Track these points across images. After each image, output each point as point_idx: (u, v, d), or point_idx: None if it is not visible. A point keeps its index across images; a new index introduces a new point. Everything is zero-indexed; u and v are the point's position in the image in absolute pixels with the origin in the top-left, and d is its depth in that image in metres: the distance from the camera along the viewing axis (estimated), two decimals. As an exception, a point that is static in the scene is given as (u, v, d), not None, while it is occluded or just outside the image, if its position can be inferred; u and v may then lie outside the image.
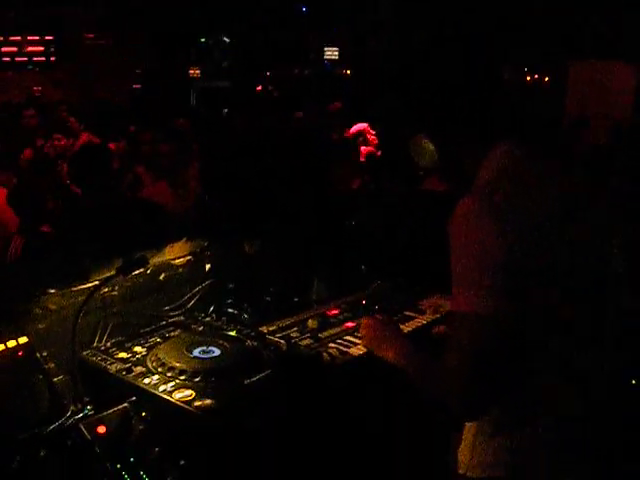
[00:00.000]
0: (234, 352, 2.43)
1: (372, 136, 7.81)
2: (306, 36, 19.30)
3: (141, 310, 2.79)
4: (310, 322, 2.77)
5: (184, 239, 3.00)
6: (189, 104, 17.61)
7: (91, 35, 18.43)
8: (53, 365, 2.45)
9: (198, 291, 2.98)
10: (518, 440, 1.89)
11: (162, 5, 16.73)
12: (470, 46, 2.01)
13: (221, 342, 2.49)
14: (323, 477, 2.44)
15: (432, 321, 2.84)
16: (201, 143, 6.80)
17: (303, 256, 3.31)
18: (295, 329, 2.72)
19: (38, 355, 2.34)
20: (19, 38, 17.91)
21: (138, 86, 18.53)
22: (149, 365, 2.34)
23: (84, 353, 2.46)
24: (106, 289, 2.66)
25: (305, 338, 2.64)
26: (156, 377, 2.25)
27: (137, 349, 2.49)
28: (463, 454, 2.05)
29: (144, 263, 2.59)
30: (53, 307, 2.54)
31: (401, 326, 2.80)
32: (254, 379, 2.27)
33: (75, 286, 2.59)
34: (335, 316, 2.89)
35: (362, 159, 6.85)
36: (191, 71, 19.55)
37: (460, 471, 2.04)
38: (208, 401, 2.10)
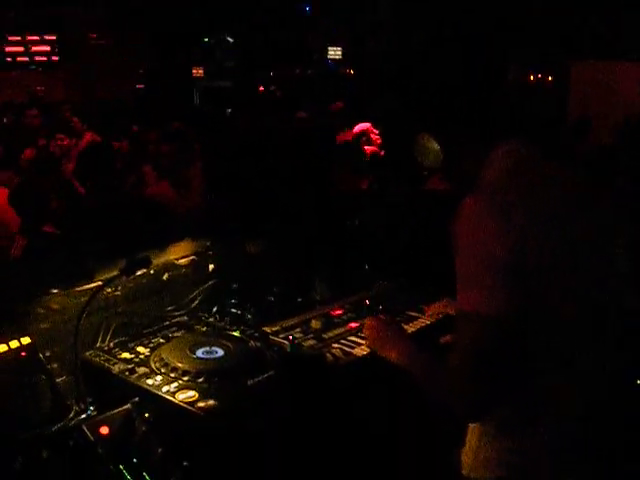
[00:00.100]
0: (237, 353, 2.42)
1: (375, 136, 7.79)
2: (309, 36, 19.29)
3: (144, 310, 2.78)
4: (314, 322, 2.76)
5: (187, 239, 3.00)
6: (192, 104, 17.62)
7: (94, 35, 18.45)
8: (56, 365, 2.45)
9: (201, 291, 2.97)
10: (521, 441, 1.89)
11: (164, 5, 16.73)
12: (469, 46, 2.00)
13: (224, 343, 2.48)
14: (327, 478, 2.43)
15: (436, 322, 2.83)
16: (204, 143, 6.80)
17: (306, 256, 3.30)
18: (298, 329, 2.71)
19: (41, 355, 2.33)
20: (22, 38, 17.93)
21: (141, 86, 18.54)
22: (152, 366, 2.33)
23: (87, 353, 2.45)
24: (109, 289, 2.65)
25: (309, 339, 2.63)
26: (159, 378, 2.24)
27: (140, 349, 2.48)
28: (466, 455, 2.04)
29: (147, 263, 2.58)
30: (56, 307, 2.53)
31: (404, 326, 2.79)
32: (257, 380, 2.26)
33: (78, 286, 2.58)
34: (339, 316, 2.88)
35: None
36: (194, 71, 19.55)
37: (463, 472, 2.04)
38: (211, 402, 2.09)
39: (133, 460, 1.99)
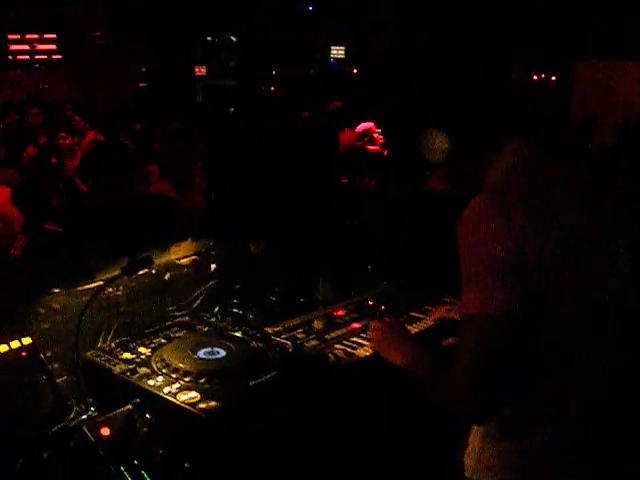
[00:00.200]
0: (239, 353, 2.41)
1: (378, 135, 7.79)
2: (312, 35, 19.29)
3: (146, 310, 2.77)
4: (316, 323, 2.75)
5: (189, 239, 2.98)
6: (195, 103, 17.62)
7: (96, 34, 18.45)
8: (57, 365, 2.44)
9: (203, 291, 2.95)
10: (522, 442, 1.88)
11: (166, 4, 16.73)
12: (472, 46, 1.99)
13: (226, 343, 2.47)
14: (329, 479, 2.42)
15: (438, 324, 2.81)
16: (206, 142, 6.79)
17: (309, 256, 3.29)
18: (301, 330, 2.70)
19: (42, 356, 2.32)
20: (24, 37, 17.94)
21: (143, 85, 18.55)
22: (153, 366, 2.32)
23: (88, 354, 2.44)
24: (110, 289, 2.64)
25: (311, 339, 2.62)
26: (160, 378, 2.23)
27: (142, 350, 2.47)
28: (470, 457, 2.03)
29: (149, 263, 2.57)
30: (57, 307, 2.52)
31: (407, 327, 2.78)
32: (259, 381, 2.25)
33: (79, 286, 2.57)
34: (341, 317, 2.87)
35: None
36: (197, 70, 19.55)
37: (467, 474, 2.02)
38: (213, 403, 2.08)
39: (134, 461, 1.98)
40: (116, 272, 2.53)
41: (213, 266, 3.05)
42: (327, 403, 2.36)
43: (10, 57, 17.90)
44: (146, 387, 2.18)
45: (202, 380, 2.21)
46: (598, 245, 1.87)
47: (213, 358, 2.36)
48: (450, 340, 2.63)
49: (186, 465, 2.04)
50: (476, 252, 1.78)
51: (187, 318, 2.82)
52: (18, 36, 17.93)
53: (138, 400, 2.14)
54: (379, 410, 2.51)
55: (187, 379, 2.22)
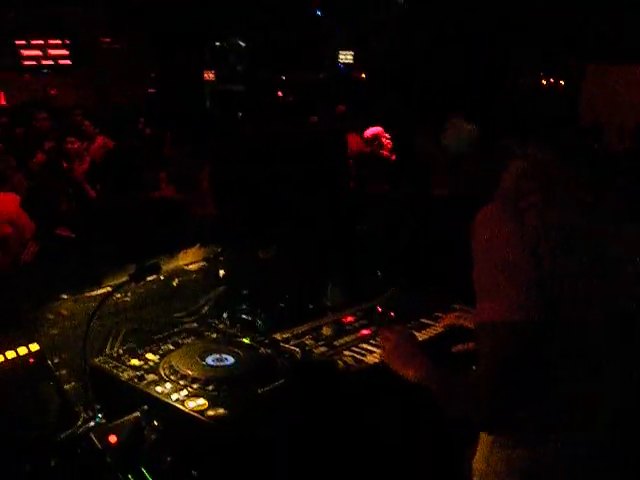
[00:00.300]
0: (248, 360, 2.39)
1: (387, 140, 7.77)
2: (320, 40, 19.30)
3: (154, 316, 2.76)
4: (325, 329, 2.74)
5: (198, 245, 2.97)
6: (204, 107, 17.63)
7: (106, 39, 18.50)
8: (65, 372, 2.43)
9: (212, 297, 2.94)
10: (538, 450, 1.85)
11: (176, 9, 16.76)
12: (472, 46, 1.98)
13: (235, 350, 2.45)
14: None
15: (448, 331, 2.80)
16: (214, 147, 6.79)
17: (317, 262, 3.27)
18: (310, 336, 2.69)
19: (49, 362, 2.31)
20: (35, 42, 18.00)
21: (152, 90, 18.58)
22: (161, 373, 2.31)
23: (96, 360, 2.43)
24: (119, 295, 2.63)
25: (320, 345, 2.60)
26: (168, 385, 2.22)
27: (149, 356, 2.46)
28: (478, 462, 2.01)
29: (157, 270, 2.56)
30: (65, 313, 2.52)
31: (416, 334, 2.76)
32: (268, 388, 2.24)
33: (88, 292, 2.57)
34: (350, 323, 2.85)
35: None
36: (205, 74, 19.58)
37: (475, 479, 2.01)
38: (221, 410, 2.06)
39: (142, 469, 1.97)
40: (124, 278, 2.53)
41: (222, 272, 3.04)
42: (336, 410, 2.34)
43: (20, 61, 17.96)
44: (154, 394, 2.17)
45: (210, 387, 2.20)
46: (622, 251, 1.85)
47: (221, 365, 2.35)
48: (460, 347, 2.62)
49: (194, 473, 2.03)
50: (490, 259, 1.76)
51: (195, 324, 2.81)
52: (31, 42, 17.98)
53: (146, 407, 2.13)
54: (388, 417, 2.49)
55: (195, 386, 2.21)
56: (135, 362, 2.41)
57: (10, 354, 2.20)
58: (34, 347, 2.26)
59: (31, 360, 2.23)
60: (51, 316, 2.48)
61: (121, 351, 2.52)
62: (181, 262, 2.90)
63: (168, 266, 2.80)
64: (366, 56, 18.42)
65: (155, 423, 2.09)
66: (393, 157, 7.35)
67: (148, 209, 4.55)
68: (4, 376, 2.14)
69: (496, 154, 1.93)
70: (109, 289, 2.53)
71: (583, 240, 1.79)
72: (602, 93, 10.94)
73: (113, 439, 2.00)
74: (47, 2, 16.92)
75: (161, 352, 2.50)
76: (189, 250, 2.93)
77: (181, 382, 2.23)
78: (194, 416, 2.05)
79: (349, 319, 2.89)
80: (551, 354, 1.78)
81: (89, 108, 11.81)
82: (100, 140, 8.89)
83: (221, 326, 2.81)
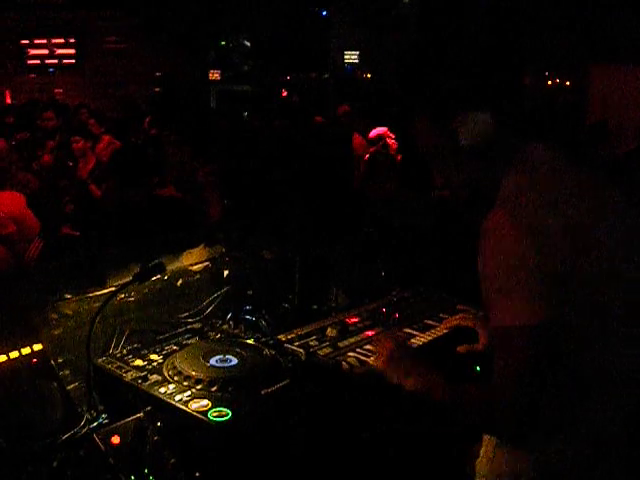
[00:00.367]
0: (252, 361, 2.38)
1: (392, 140, 7.77)
2: (325, 40, 19.31)
3: (158, 317, 2.75)
4: (329, 330, 2.72)
5: (202, 245, 2.97)
6: (209, 107, 17.65)
7: (112, 39, 18.53)
8: (68, 372, 2.43)
9: (216, 298, 2.94)
10: (543, 453, 1.84)
11: (181, 8, 16.79)
12: (493, 37, 1.96)
13: (238, 351, 2.44)
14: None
15: (452, 332, 2.79)
16: (220, 147, 6.79)
17: (322, 262, 3.27)
18: (314, 337, 2.68)
19: (52, 362, 2.31)
20: (41, 41, 18.05)
21: (158, 89, 18.61)
22: (165, 374, 2.30)
23: (99, 360, 2.43)
24: (122, 295, 2.63)
25: (324, 347, 2.59)
26: (172, 386, 2.21)
27: (153, 357, 2.45)
28: (481, 464, 2.01)
29: (161, 270, 2.55)
30: (69, 313, 2.52)
31: (421, 335, 2.76)
32: (272, 389, 2.23)
33: (91, 292, 2.56)
34: (354, 324, 2.84)
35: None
36: (210, 74, 19.60)
37: (476, 480, 2.01)
38: (224, 411, 2.06)
39: (145, 470, 1.96)
40: (128, 278, 2.52)
41: (226, 272, 3.03)
42: (340, 411, 2.33)
43: (25, 61, 18.00)
44: (157, 395, 2.16)
45: (214, 388, 2.19)
46: (633, 249, 1.84)
47: (225, 366, 2.34)
48: (464, 347, 2.61)
49: (197, 474, 2.02)
50: (503, 264, 1.73)
51: (199, 325, 2.81)
52: (34, 40, 18.03)
53: (149, 408, 2.12)
54: (393, 419, 2.48)
55: (199, 387, 2.20)
56: (139, 362, 2.40)
57: (13, 354, 2.19)
58: (37, 347, 2.26)
59: (34, 360, 2.22)
60: (55, 316, 2.48)
61: (125, 351, 2.51)
62: (185, 262, 2.90)
63: (172, 266, 2.80)
64: (376, 55, 18.43)
65: (158, 424, 2.09)
66: (398, 157, 7.34)
67: (157, 207, 4.54)
68: (7, 376, 2.14)
69: (503, 152, 1.92)
70: (113, 289, 2.52)
71: (594, 239, 1.77)
72: (608, 93, 10.90)
73: (116, 440, 1.99)
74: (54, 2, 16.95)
75: (165, 353, 2.50)
76: (193, 250, 2.93)
77: (185, 383, 2.22)
78: (197, 417, 2.04)
79: (353, 320, 2.88)
80: (565, 354, 1.77)
81: (93, 107, 11.83)
82: (106, 139, 8.89)
83: (225, 327, 2.81)
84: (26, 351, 2.22)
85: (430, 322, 2.89)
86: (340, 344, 2.63)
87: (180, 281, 2.85)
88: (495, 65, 1.90)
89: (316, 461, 2.26)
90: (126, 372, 2.33)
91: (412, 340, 2.71)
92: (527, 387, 1.73)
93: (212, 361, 2.35)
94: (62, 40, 18.18)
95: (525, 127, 1.96)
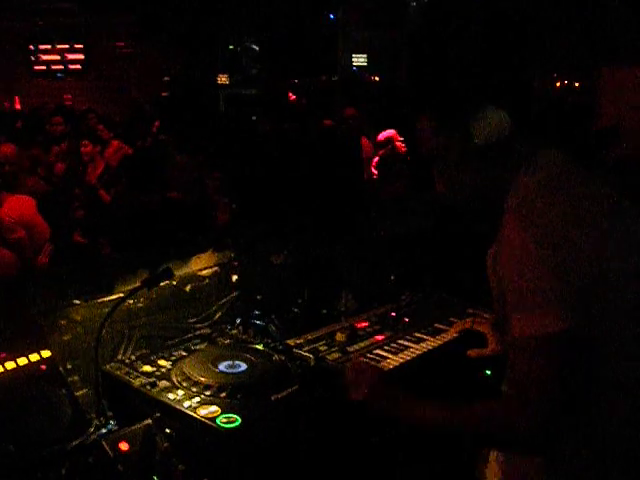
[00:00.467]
0: (261, 367, 2.38)
1: (400, 143, 7.76)
2: (334, 43, 19.31)
3: (166, 322, 2.75)
4: (338, 335, 2.71)
5: (210, 250, 2.96)
6: (218, 111, 17.67)
7: (120, 43, 18.59)
8: (77, 378, 2.42)
9: (225, 303, 2.93)
10: (554, 456, 1.82)
11: (190, 13, 16.82)
12: (510, 34, 1.94)
13: (248, 356, 2.44)
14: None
15: (462, 336, 2.77)
16: (228, 151, 6.79)
17: (331, 267, 3.26)
18: (323, 342, 2.67)
19: (61, 369, 2.30)
20: (50, 47, 18.12)
21: (166, 94, 18.65)
22: (174, 379, 2.29)
23: (108, 366, 2.42)
24: (131, 301, 2.62)
25: (333, 352, 2.58)
26: (181, 392, 2.20)
27: (162, 362, 2.45)
28: (490, 468, 1.99)
29: (170, 275, 2.54)
30: (78, 319, 2.51)
31: (431, 339, 2.75)
32: (281, 395, 2.22)
33: (100, 298, 2.56)
34: (364, 329, 2.83)
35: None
36: (219, 78, 19.64)
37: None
38: (234, 417, 2.04)
39: (153, 477, 1.96)
40: (137, 284, 2.51)
41: (234, 278, 3.02)
42: (349, 416, 2.32)
43: (34, 67, 18.08)
44: (166, 401, 2.15)
45: (223, 394, 2.18)
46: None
47: (234, 371, 2.33)
48: (475, 352, 2.60)
49: (206, 481, 2.01)
50: (523, 273, 1.70)
51: (208, 330, 2.80)
52: (43, 46, 18.11)
53: (158, 414, 2.12)
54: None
55: (208, 393, 2.19)
56: (147, 368, 2.39)
57: (21, 361, 2.19)
58: (46, 354, 2.25)
59: (42, 367, 2.21)
60: (63, 322, 2.47)
61: (133, 357, 2.51)
62: (194, 268, 2.89)
63: (181, 272, 2.79)
64: (384, 57, 18.43)
65: (167, 431, 2.08)
66: (408, 159, 7.33)
67: (167, 211, 4.55)
68: (15, 383, 2.13)
69: (514, 154, 1.90)
70: (122, 295, 2.52)
71: (611, 245, 1.75)
72: (618, 95, 10.85)
73: (125, 447, 1.99)
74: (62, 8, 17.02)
75: (173, 358, 2.49)
76: (202, 255, 2.92)
77: (193, 389, 2.21)
78: (206, 423, 2.02)
79: (363, 325, 2.87)
80: (590, 363, 1.74)
81: (103, 112, 11.86)
82: (115, 144, 8.91)
83: (234, 332, 2.80)
84: (34, 358, 2.22)
85: (440, 326, 2.89)
86: (349, 349, 2.62)
87: (189, 286, 2.84)
88: (496, 62, 1.89)
89: (326, 466, 2.25)
90: (135, 378, 2.32)
91: (422, 344, 2.70)
92: (554, 397, 1.70)
93: (221, 367, 2.34)
94: (71, 45, 18.25)
95: (535, 129, 1.94)
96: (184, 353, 2.54)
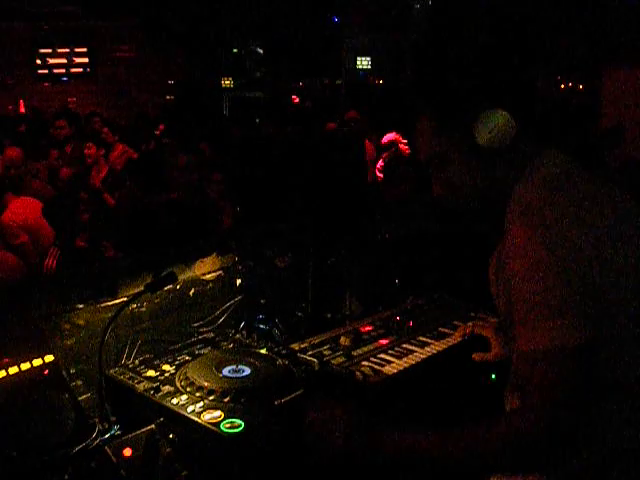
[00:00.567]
0: (265, 371, 2.36)
1: (404, 146, 7.75)
2: (338, 46, 19.32)
3: (170, 327, 2.74)
4: (343, 339, 2.70)
5: (214, 254, 2.95)
6: (222, 114, 17.70)
7: (124, 47, 18.62)
8: (80, 383, 2.41)
9: (228, 307, 2.92)
10: (557, 474, 1.80)
11: (193, 16, 16.84)
12: (516, 38, 1.93)
13: (251, 361, 2.42)
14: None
15: (466, 340, 2.76)
16: (232, 154, 6.79)
17: (336, 270, 3.25)
18: (327, 346, 2.66)
19: (64, 374, 2.30)
20: (54, 50, 18.15)
21: (171, 98, 18.68)
22: (177, 384, 2.28)
23: (111, 371, 2.41)
24: (134, 305, 2.61)
25: (337, 356, 2.57)
26: (184, 397, 2.19)
27: (165, 367, 2.44)
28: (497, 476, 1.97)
29: (173, 279, 2.54)
30: (81, 323, 2.50)
31: (435, 343, 2.74)
32: (285, 399, 2.20)
33: (104, 302, 2.55)
34: (368, 333, 2.82)
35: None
36: (223, 81, 19.67)
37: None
38: (237, 422, 2.03)
39: (157, 483, 1.94)
40: (140, 288, 2.51)
41: (238, 281, 3.01)
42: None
43: (38, 70, 18.11)
44: (169, 406, 2.14)
45: (226, 399, 2.17)
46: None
47: (238, 376, 2.31)
48: (479, 355, 2.58)
49: (210, 487, 2.00)
50: (538, 284, 1.67)
51: (212, 334, 2.79)
52: (47, 49, 18.14)
53: (161, 420, 2.11)
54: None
55: (211, 398, 2.17)
56: (151, 373, 2.39)
57: (25, 365, 2.18)
58: (49, 358, 2.24)
59: (46, 372, 2.21)
60: (67, 326, 2.46)
61: (137, 362, 2.50)
62: (197, 271, 2.88)
63: (184, 276, 2.78)
64: (388, 60, 18.43)
65: (171, 436, 2.07)
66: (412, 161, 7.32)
67: (172, 213, 4.54)
68: (19, 388, 2.12)
69: (517, 156, 1.89)
70: (125, 299, 2.51)
71: (614, 242, 1.73)
72: (622, 97, 10.83)
73: (128, 452, 1.97)
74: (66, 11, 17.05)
75: (177, 363, 2.48)
76: (205, 259, 2.91)
77: (197, 394, 2.20)
78: (210, 429, 2.01)
79: (367, 329, 2.86)
80: (600, 371, 1.72)
81: (106, 116, 11.88)
82: (120, 148, 8.92)
83: (238, 336, 2.79)
84: (37, 362, 2.21)
85: (444, 330, 2.88)
86: (354, 353, 2.61)
87: (192, 290, 2.84)
88: (497, 62, 1.88)
89: (330, 472, 2.24)
90: (138, 383, 2.31)
91: (426, 348, 2.69)
92: (572, 412, 1.65)
93: (225, 371, 2.33)
94: (75, 49, 18.28)
95: (539, 130, 1.93)
96: (188, 357, 2.53)
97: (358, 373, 2.42)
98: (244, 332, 2.81)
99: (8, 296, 2.52)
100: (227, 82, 19.67)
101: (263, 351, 2.60)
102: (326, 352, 2.60)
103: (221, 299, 2.94)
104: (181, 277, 2.69)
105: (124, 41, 18.55)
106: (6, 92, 16.60)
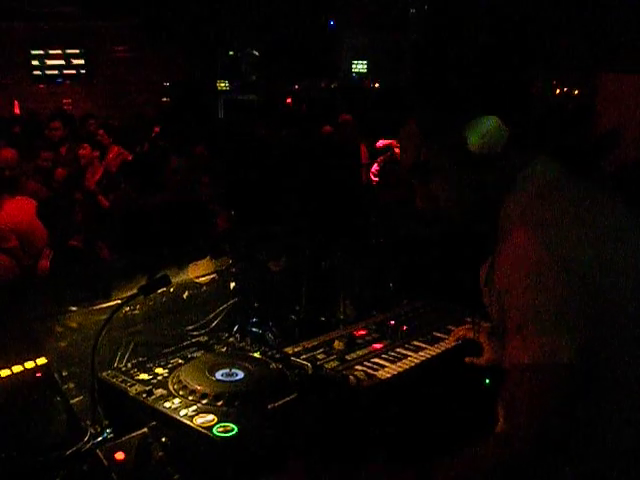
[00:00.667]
0: (258, 375, 2.35)
1: (399, 149, 7.75)
2: (334, 50, 19.35)
3: (163, 330, 2.73)
4: (336, 343, 2.70)
5: (208, 257, 2.94)
6: (217, 117, 17.69)
7: (121, 48, 18.61)
8: (73, 386, 2.40)
9: (222, 310, 2.91)
10: (557, 460, 1.78)
11: (190, 18, 16.85)
12: (512, 43, 1.92)
13: (245, 364, 2.41)
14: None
15: (460, 344, 2.76)
16: (227, 156, 6.79)
17: (329, 273, 3.24)
18: (321, 350, 2.65)
19: (56, 376, 2.28)
20: (50, 51, 18.14)
21: (166, 99, 18.67)
22: (170, 388, 2.27)
23: (104, 374, 2.40)
24: (128, 308, 2.60)
25: (331, 360, 2.57)
26: (177, 401, 2.18)
27: (158, 370, 2.42)
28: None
29: (167, 282, 2.53)
30: (74, 325, 2.50)
31: (430, 347, 2.73)
32: (278, 403, 2.19)
33: (97, 304, 2.54)
34: (362, 337, 2.82)
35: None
36: (218, 84, 19.68)
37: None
38: (230, 426, 2.02)
39: (149, 487, 1.93)
40: (134, 291, 2.50)
41: (232, 285, 3.01)
42: (347, 425, 2.30)
43: (34, 71, 18.09)
44: (162, 410, 2.13)
45: (219, 403, 2.16)
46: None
47: (231, 380, 2.30)
48: (472, 359, 2.58)
49: (202, 491, 1.99)
50: (537, 298, 1.64)
51: (205, 338, 2.78)
52: (43, 50, 18.13)
53: (154, 423, 2.10)
54: (401, 433, 2.45)
55: (204, 401, 2.16)
56: (144, 376, 2.37)
57: (17, 368, 2.17)
58: (41, 361, 2.23)
59: (38, 374, 2.20)
60: (60, 328, 2.46)
61: (130, 365, 2.49)
62: (191, 274, 2.87)
63: (178, 278, 2.78)
64: (384, 63, 18.45)
65: (163, 440, 2.06)
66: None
67: (166, 212, 4.54)
68: (11, 390, 2.11)
69: (509, 164, 1.88)
70: (119, 302, 2.51)
71: (613, 242, 1.73)
72: (617, 102, 10.85)
73: (120, 456, 1.96)
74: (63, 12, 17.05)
75: (170, 366, 2.47)
76: (199, 262, 2.90)
77: (190, 397, 2.19)
78: (203, 433, 2.00)
79: (361, 333, 2.86)
80: (600, 371, 1.71)
81: (102, 118, 11.86)
82: (115, 150, 8.91)
83: (231, 339, 2.78)
84: (30, 365, 2.20)
85: (439, 334, 2.87)
86: (348, 357, 2.60)
87: (186, 293, 2.83)
88: (495, 65, 1.87)
89: (324, 476, 2.23)
90: (131, 386, 2.30)
91: (420, 353, 2.69)
92: (558, 426, 1.65)
93: (218, 375, 2.32)
94: (71, 50, 18.27)
95: (533, 136, 1.92)
96: (181, 361, 2.52)
97: (352, 377, 2.41)
98: (238, 335, 2.80)
99: (0, 297, 2.51)
100: (222, 85, 19.68)
101: (257, 355, 2.59)
102: (320, 356, 2.59)
103: (215, 302, 2.93)
104: (175, 280, 2.68)
105: (120, 42, 18.55)
106: (1, 93, 16.56)
